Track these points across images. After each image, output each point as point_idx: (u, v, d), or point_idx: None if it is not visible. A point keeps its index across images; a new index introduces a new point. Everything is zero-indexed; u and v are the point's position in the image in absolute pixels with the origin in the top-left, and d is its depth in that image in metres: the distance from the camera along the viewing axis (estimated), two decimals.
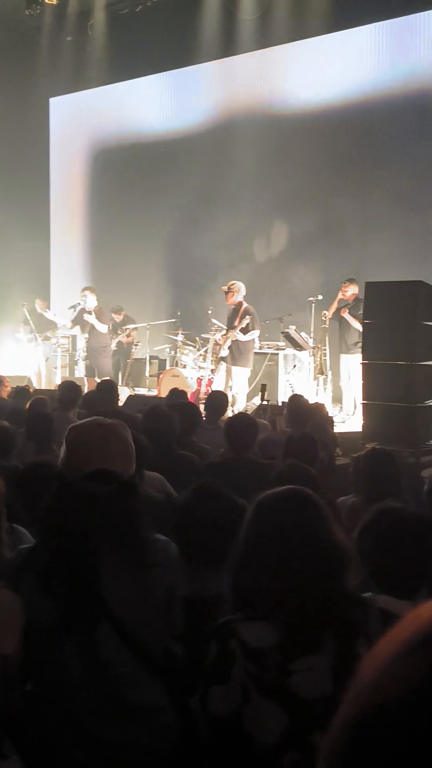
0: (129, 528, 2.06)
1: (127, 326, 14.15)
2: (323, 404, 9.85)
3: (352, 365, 11.32)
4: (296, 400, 7.66)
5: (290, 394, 11.55)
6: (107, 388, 8.31)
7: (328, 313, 11.97)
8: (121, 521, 2.04)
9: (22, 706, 1.94)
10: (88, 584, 1.95)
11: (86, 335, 12.69)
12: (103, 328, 12.68)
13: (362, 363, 9.25)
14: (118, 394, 8.91)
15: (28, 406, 7.61)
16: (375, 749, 0.64)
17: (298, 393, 9.61)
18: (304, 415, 6.92)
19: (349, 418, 11.55)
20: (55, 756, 1.89)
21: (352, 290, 11.73)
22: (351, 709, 0.69)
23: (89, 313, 12.66)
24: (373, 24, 13.12)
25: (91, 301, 12.71)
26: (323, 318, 11.98)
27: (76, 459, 2.15)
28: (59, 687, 1.93)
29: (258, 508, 2.12)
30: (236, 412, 10.66)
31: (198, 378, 12.22)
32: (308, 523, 2.05)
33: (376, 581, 2.59)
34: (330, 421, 8.30)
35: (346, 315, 11.67)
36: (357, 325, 11.03)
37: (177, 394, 8.25)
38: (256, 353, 11.90)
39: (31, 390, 10.82)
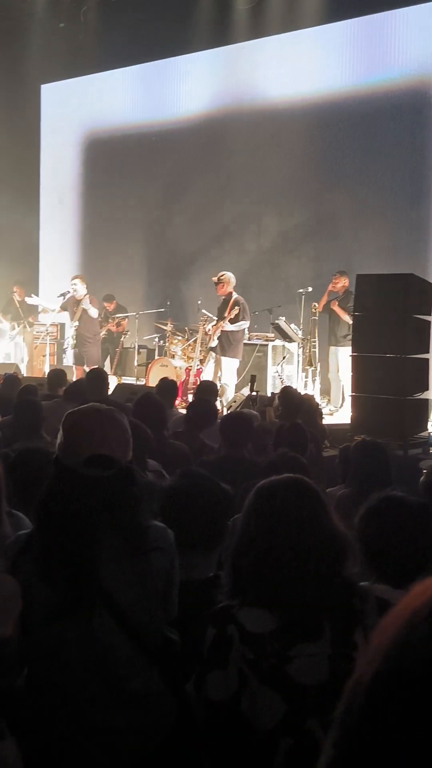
0: (127, 513, 2.05)
1: (117, 315, 14.12)
2: (312, 396, 9.88)
3: (342, 357, 11.34)
4: (288, 391, 7.68)
5: (280, 385, 11.59)
6: (97, 377, 8.29)
7: (319, 306, 11.98)
8: (119, 507, 2.04)
9: (19, 689, 1.93)
10: (87, 569, 1.95)
11: (75, 323, 12.65)
12: (94, 313, 12.65)
13: (351, 355, 9.26)
14: (107, 383, 8.90)
15: (17, 393, 7.60)
16: (387, 712, 0.67)
17: (289, 385, 9.63)
18: (296, 407, 6.93)
19: (336, 410, 11.57)
20: (52, 739, 1.88)
21: (342, 282, 11.73)
22: (365, 674, 0.71)
23: (78, 301, 12.62)
24: (368, 16, 13.08)
25: (81, 290, 12.66)
26: (313, 310, 11.99)
27: (74, 444, 2.14)
28: (56, 671, 1.93)
29: (258, 495, 2.11)
30: (225, 402, 10.69)
31: (186, 368, 12.21)
32: (308, 510, 2.05)
33: (375, 570, 2.60)
34: (319, 413, 8.31)
35: (335, 307, 11.68)
36: (347, 318, 11.04)
37: (167, 383, 8.24)
38: (245, 344, 11.90)
39: (19, 377, 10.80)
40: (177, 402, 9.63)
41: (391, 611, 0.74)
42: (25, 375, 13.04)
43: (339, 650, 1.94)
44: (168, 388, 7.99)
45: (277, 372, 12.00)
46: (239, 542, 2.09)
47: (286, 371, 12.12)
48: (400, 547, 2.62)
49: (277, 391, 11.45)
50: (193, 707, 2.00)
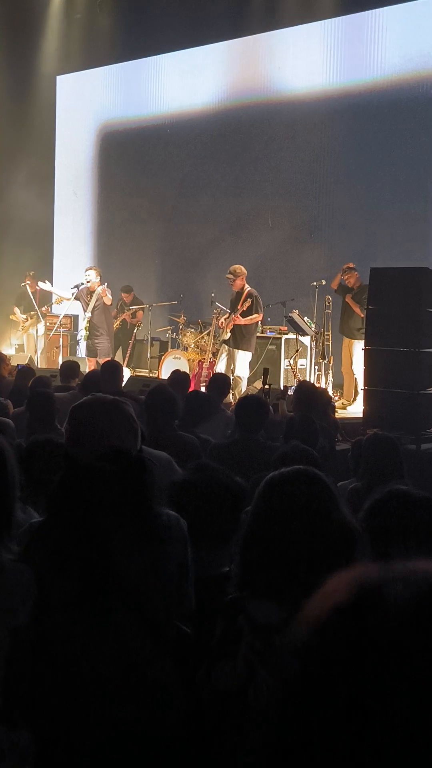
0: (140, 504, 2.05)
1: (133, 306, 14.11)
2: (325, 389, 9.87)
3: (355, 351, 11.31)
4: (304, 386, 7.66)
5: (293, 378, 11.58)
6: (111, 369, 8.28)
7: (333, 284, 11.89)
8: (131, 498, 2.03)
9: (33, 679, 1.93)
10: (101, 560, 1.94)
11: (88, 314, 12.64)
12: (108, 300, 12.62)
13: (364, 349, 9.24)
14: (122, 375, 8.91)
15: (30, 384, 7.61)
16: (331, 646, 0.72)
17: (306, 380, 9.63)
18: (312, 402, 6.91)
19: (349, 404, 11.55)
20: (63, 729, 1.88)
21: (354, 278, 11.71)
22: (308, 619, 0.77)
23: (91, 291, 12.61)
24: (386, 7, 13.02)
25: (95, 280, 12.66)
26: (328, 301, 11.95)
27: (81, 436, 2.14)
28: (69, 660, 1.92)
29: (268, 487, 2.11)
30: (238, 395, 10.67)
31: (199, 361, 12.21)
32: (318, 502, 2.05)
33: (381, 561, 2.59)
34: (332, 407, 8.30)
35: (349, 300, 11.65)
36: (360, 312, 11.01)
37: (179, 376, 8.25)
38: (258, 337, 11.88)
39: (33, 369, 10.83)
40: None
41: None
42: (38, 366, 13.05)
43: None
44: (180, 380, 8.00)
45: (290, 365, 11.98)
46: (248, 534, 2.08)
47: (299, 364, 12.10)
48: (405, 539, 2.62)
49: (290, 384, 11.46)
50: (203, 698, 2.00)
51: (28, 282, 14.82)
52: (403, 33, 12.95)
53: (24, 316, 14.95)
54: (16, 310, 15.07)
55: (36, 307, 14.56)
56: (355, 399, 11.44)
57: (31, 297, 14.64)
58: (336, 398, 11.23)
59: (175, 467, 4.14)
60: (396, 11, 13.02)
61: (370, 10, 13.17)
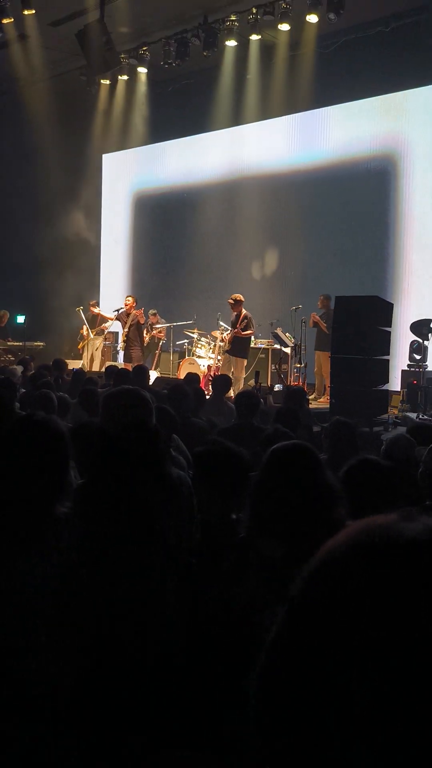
0: (155, 463, 2.01)
1: (158, 325, 14.11)
2: (302, 387, 9.81)
3: (323, 359, 11.30)
4: (291, 387, 7.66)
5: (278, 379, 11.53)
6: (141, 371, 8.26)
7: (309, 322, 11.90)
8: (148, 458, 2.00)
9: (78, 602, 1.88)
10: (128, 505, 1.90)
11: (125, 330, 12.63)
12: (142, 320, 12.62)
13: (331, 357, 9.20)
14: (149, 376, 8.89)
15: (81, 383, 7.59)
16: (330, 589, 0.61)
17: (294, 384, 9.61)
18: (296, 396, 6.89)
19: (319, 397, 11.51)
20: (100, 639, 1.83)
21: (325, 303, 11.74)
22: (308, 567, 0.67)
23: (128, 314, 12.59)
24: (348, 103, 12.99)
25: (131, 305, 12.66)
26: (303, 319, 11.91)
27: (112, 414, 2.12)
28: (108, 584, 1.87)
29: (272, 455, 2.10)
30: (236, 392, 10.64)
31: (209, 365, 12.18)
32: (310, 467, 2.04)
33: (355, 514, 2.58)
34: (307, 400, 8.25)
35: (317, 319, 11.72)
36: (326, 330, 11.02)
37: (191, 376, 8.21)
38: (251, 348, 11.87)
39: (85, 371, 10.82)
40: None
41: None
42: (91, 370, 13.08)
43: None
44: (192, 379, 7.96)
45: (275, 368, 11.93)
46: (257, 490, 2.07)
47: (282, 369, 12.06)
48: (375, 495, 2.62)
49: (275, 383, 11.42)
50: (215, 616, 1.97)
51: (91, 307, 14.85)
52: (359, 123, 12.89)
53: (86, 333, 14.89)
54: (86, 327, 14.96)
55: (95, 326, 14.56)
56: (324, 394, 11.40)
57: (83, 318, 14.63)
58: (310, 394, 11.18)
59: (181, 447, 4.07)
60: (339, 109, 13.03)
61: (337, 105, 13.17)
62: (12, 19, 12.10)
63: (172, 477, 2.14)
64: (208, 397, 7.59)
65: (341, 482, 2.66)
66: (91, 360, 14.40)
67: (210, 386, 10.48)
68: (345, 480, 2.72)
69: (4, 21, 12.09)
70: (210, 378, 11.42)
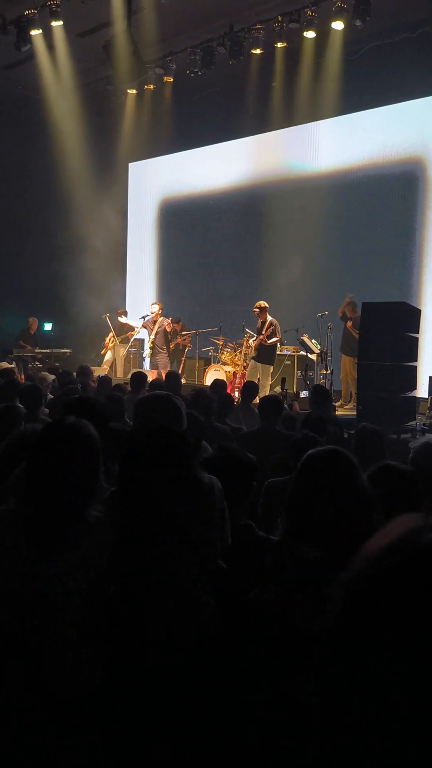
0: (183, 468, 2.02)
1: (184, 333, 14.14)
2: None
3: (349, 365, 11.23)
4: (319, 387, 7.62)
5: (304, 386, 11.49)
6: (174, 377, 8.31)
7: (339, 311, 11.90)
8: (176, 463, 2.00)
9: (109, 602, 1.90)
10: (159, 509, 1.91)
11: (152, 337, 12.67)
12: (168, 327, 12.67)
13: (358, 363, 9.14)
14: (180, 382, 8.93)
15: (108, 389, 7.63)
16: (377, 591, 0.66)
17: (319, 384, 9.57)
18: (324, 398, 6.85)
19: (347, 404, 11.44)
20: (130, 640, 1.84)
21: (354, 310, 11.73)
22: (356, 567, 0.73)
23: (154, 321, 12.64)
24: (375, 109, 12.96)
25: (157, 312, 12.70)
26: (329, 329, 11.87)
27: (143, 419, 2.13)
28: (139, 587, 1.88)
29: (308, 460, 2.10)
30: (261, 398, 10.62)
31: (234, 372, 12.18)
32: (346, 473, 2.04)
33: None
34: (333, 407, 8.21)
35: (349, 327, 11.64)
36: (355, 335, 10.96)
37: (218, 382, 8.21)
38: (278, 354, 11.84)
39: (111, 378, 10.88)
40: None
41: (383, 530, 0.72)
42: (116, 376, 13.14)
43: None
44: (219, 385, 7.96)
45: (301, 375, 11.90)
46: (294, 495, 2.07)
47: (308, 375, 12.02)
48: (396, 501, 2.60)
49: (302, 389, 11.38)
50: (250, 616, 1.97)
51: (119, 315, 14.95)
52: (381, 128, 12.85)
53: (113, 340, 14.97)
54: (112, 334, 15.04)
55: (122, 333, 14.65)
56: (350, 401, 11.33)
57: (110, 325, 14.73)
58: (336, 401, 11.13)
59: (209, 452, 4.07)
60: (365, 114, 12.99)
61: (347, 114, 13.16)
62: (40, 30, 12.28)
63: (203, 482, 2.14)
64: (236, 403, 7.59)
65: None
66: (113, 366, 14.48)
67: (237, 393, 10.47)
68: (371, 483, 2.72)
69: (33, 32, 12.27)
70: (236, 385, 11.42)
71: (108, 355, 14.97)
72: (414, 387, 8.95)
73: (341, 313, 11.82)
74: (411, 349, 8.78)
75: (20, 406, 4.92)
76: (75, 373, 9.82)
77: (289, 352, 12.27)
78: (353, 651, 0.62)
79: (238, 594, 2.00)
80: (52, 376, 10.10)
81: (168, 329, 12.67)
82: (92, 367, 11.30)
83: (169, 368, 12.53)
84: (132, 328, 14.51)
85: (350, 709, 0.60)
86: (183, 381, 12.53)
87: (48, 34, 12.46)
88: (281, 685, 1.89)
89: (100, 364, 14.71)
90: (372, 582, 0.66)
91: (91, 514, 2.08)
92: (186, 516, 1.97)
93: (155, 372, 12.33)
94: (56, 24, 12.04)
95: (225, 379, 11.26)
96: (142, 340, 14.45)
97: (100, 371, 13.24)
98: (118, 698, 1.86)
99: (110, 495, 2.26)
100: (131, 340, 14.42)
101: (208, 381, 11.91)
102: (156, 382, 8.43)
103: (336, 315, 12.02)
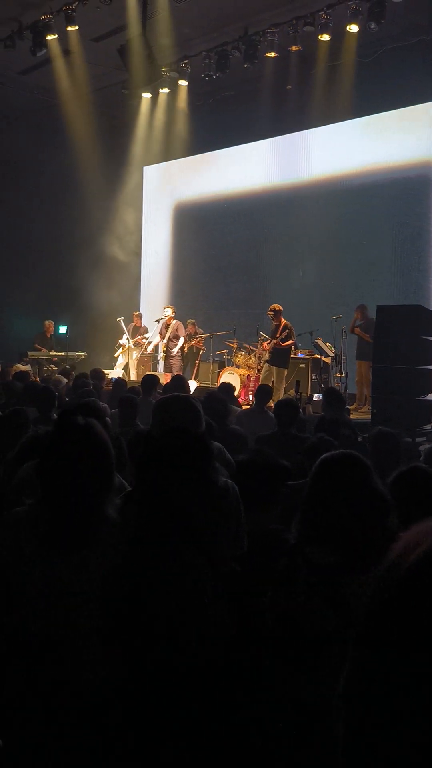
0: (200, 470, 2.01)
1: (198, 335, 14.15)
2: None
3: (364, 368, 11.20)
4: (333, 390, 7.59)
5: (318, 389, 11.46)
6: (180, 381, 8.31)
7: (348, 329, 11.86)
8: (193, 464, 1.99)
9: (123, 603, 1.90)
10: (173, 511, 1.91)
11: (164, 340, 12.69)
12: (182, 332, 12.67)
13: (372, 366, 9.10)
14: (188, 385, 8.92)
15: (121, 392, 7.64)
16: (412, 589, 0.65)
17: (333, 387, 9.54)
18: (338, 401, 6.83)
19: (361, 407, 11.40)
20: (145, 641, 1.83)
21: (363, 314, 11.70)
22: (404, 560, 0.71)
23: (167, 324, 12.66)
24: (386, 112, 12.92)
25: (170, 315, 12.72)
26: (343, 332, 11.84)
27: (162, 420, 2.12)
28: (152, 587, 1.88)
29: (323, 465, 2.09)
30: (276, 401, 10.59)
31: (248, 375, 12.16)
32: (361, 477, 2.03)
33: (404, 522, 2.55)
34: (347, 409, 8.18)
35: (358, 332, 11.63)
36: (367, 339, 10.93)
37: (225, 385, 8.23)
38: (292, 358, 11.81)
39: (126, 381, 10.90)
40: (240, 400, 9.57)
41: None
42: (130, 379, 13.17)
43: None
44: (227, 389, 7.96)
45: (316, 378, 11.86)
46: (309, 498, 2.06)
47: (323, 378, 11.99)
48: (425, 503, 2.59)
49: (316, 392, 11.34)
50: (266, 617, 1.96)
51: (134, 315, 14.98)
52: (397, 130, 12.81)
53: (125, 343, 14.99)
54: (126, 337, 15.05)
55: (128, 336, 14.67)
56: (365, 404, 11.29)
57: (124, 328, 14.77)
58: (351, 404, 11.08)
59: (226, 455, 4.07)
60: (380, 117, 12.95)
61: (362, 117, 13.15)
62: (56, 35, 12.35)
63: (217, 484, 2.13)
64: (250, 406, 7.57)
65: (389, 490, 2.63)
66: (127, 369, 14.51)
67: (251, 396, 10.46)
68: (393, 488, 2.70)
69: (49, 37, 12.34)
70: (250, 388, 11.40)
71: (121, 359, 15.01)
72: (430, 390, 8.89)
73: (351, 328, 11.83)
74: (426, 353, 8.73)
75: (28, 409, 4.95)
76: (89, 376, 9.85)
77: (303, 355, 12.24)
78: (382, 653, 0.61)
79: (255, 597, 2.00)
80: (66, 379, 10.15)
81: (181, 333, 12.69)
82: (105, 370, 11.33)
83: (182, 372, 12.55)
84: (146, 331, 14.55)
85: (375, 710, 0.59)
86: (197, 384, 12.53)
87: (64, 38, 12.53)
88: (291, 687, 1.88)
89: (113, 367, 14.74)
90: (406, 584, 0.65)
91: (108, 512, 2.08)
92: (198, 518, 1.96)
93: (169, 375, 12.34)
94: (72, 29, 12.10)
95: (238, 383, 11.26)
96: (156, 344, 14.48)
97: (114, 374, 13.27)
98: (130, 698, 1.85)
99: (125, 495, 2.25)
100: (145, 343, 14.44)
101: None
102: (167, 386, 8.43)
103: (351, 318, 11.97)
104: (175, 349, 12.87)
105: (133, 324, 14.87)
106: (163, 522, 1.91)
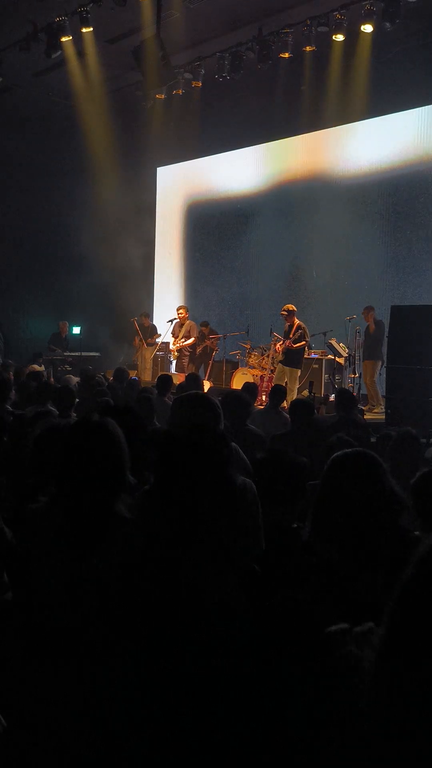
0: (218, 468, 1.99)
1: (211, 336, 14.14)
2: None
3: (376, 368, 11.16)
4: (344, 390, 7.56)
5: (332, 389, 11.42)
6: (194, 378, 8.30)
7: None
8: (212, 462, 1.98)
9: (141, 601, 1.89)
10: (191, 510, 1.89)
11: (178, 340, 12.69)
12: (195, 332, 12.65)
13: (386, 366, 9.06)
14: (202, 383, 8.91)
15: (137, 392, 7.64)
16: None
17: (344, 387, 9.50)
18: (350, 402, 6.80)
19: (374, 408, 11.35)
20: (164, 638, 1.82)
21: (371, 315, 11.68)
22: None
23: (181, 325, 12.66)
24: (403, 111, 12.86)
25: (183, 316, 12.71)
26: (357, 332, 11.79)
27: (180, 417, 2.11)
28: (171, 586, 1.87)
29: (335, 463, 2.06)
30: (290, 402, 10.56)
31: (261, 375, 12.13)
32: (373, 476, 2.01)
33: (425, 520, 2.52)
34: (359, 409, 8.14)
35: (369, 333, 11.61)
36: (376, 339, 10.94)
37: (249, 385, 8.18)
38: (305, 358, 11.77)
39: (139, 381, 10.90)
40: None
41: None
42: (144, 379, 13.19)
43: (391, 579, 1.86)
44: (251, 388, 7.92)
45: (329, 379, 11.82)
46: (320, 497, 2.04)
47: (336, 379, 11.95)
48: None
49: (329, 393, 11.31)
50: (278, 617, 1.94)
51: (143, 317, 14.99)
52: (411, 130, 12.74)
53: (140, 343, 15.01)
54: (139, 338, 15.05)
55: (141, 337, 14.68)
56: (377, 405, 11.23)
57: (137, 328, 14.79)
58: (364, 404, 11.03)
59: (241, 455, 4.06)
60: (394, 117, 12.90)
61: (377, 117, 13.08)
62: (71, 37, 12.38)
63: (235, 483, 2.12)
64: (263, 407, 7.54)
65: (411, 491, 2.60)
66: (142, 369, 14.52)
67: (264, 396, 10.43)
68: (416, 489, 2.67)
69: (63, 39, 12.37)
70: (263, 389, 11.38)
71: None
72: None
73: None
74: None
75: (54, 410, 4.96)
76: (112, 377, 9.84)
77: (317, 356, 12.20)
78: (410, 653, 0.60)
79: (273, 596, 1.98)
80: (77, 379, 10.15)
81: (195, 333, 12.69)
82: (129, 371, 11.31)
83: (194, 372, 12.54)
84: (155, 330, 14.56)
85: (402, 710, 0.57)
86: (210, 384, 12.52)
87: (78, 40, 12.56)
88: (309, 688, 1.86)
89: (130, 368, 14.77)
90: None
91: (119, 509, 2.07)
92: (216, 517, 1.95)
93: (182, 375, 12.34)
94: (86, 30, 12.12)
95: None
96: (169, 344, 14.49)
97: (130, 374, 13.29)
98: (150, 698, 1.84)
99: (145, 492, 2.24)
100: (158, 343, 14.45)
101: (236, 385, 11.89)
102: (181, 385, 8.42)
103: (363, 319, 11.92)
104: (188, 348, 12.86)
105: (143, 324, 14.87)
106: (182, 519, 1.89)
